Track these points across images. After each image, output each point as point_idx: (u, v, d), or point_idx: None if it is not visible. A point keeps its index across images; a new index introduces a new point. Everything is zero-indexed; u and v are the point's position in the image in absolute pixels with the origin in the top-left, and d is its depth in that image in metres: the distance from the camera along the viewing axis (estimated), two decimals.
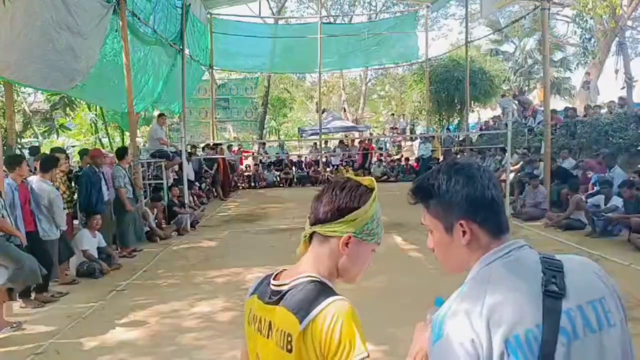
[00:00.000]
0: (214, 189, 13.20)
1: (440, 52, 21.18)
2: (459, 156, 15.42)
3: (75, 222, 7.27)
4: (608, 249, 6.43)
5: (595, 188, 8.02)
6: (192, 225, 9.26)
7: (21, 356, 3.94)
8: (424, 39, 18.54)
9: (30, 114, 15.32)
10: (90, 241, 6.39)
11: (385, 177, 15.66)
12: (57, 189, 5.88)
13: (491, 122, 16.51)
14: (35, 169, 5.79)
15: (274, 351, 1.16)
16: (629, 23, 18.63)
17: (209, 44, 16.27)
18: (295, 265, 1.26)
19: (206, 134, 18.35)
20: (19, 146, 11.47)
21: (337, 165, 16.69)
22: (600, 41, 17.26)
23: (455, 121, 19.33)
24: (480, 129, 17.07)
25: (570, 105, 16.49)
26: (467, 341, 0.93)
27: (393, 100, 29.71)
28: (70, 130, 17.19)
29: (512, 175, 10.03)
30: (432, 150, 16.24)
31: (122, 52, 8.64)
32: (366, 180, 1.23)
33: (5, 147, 6.30)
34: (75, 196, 7.01)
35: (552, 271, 0.99)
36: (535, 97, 18.98)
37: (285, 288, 1.19)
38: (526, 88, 22.06)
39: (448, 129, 18.63)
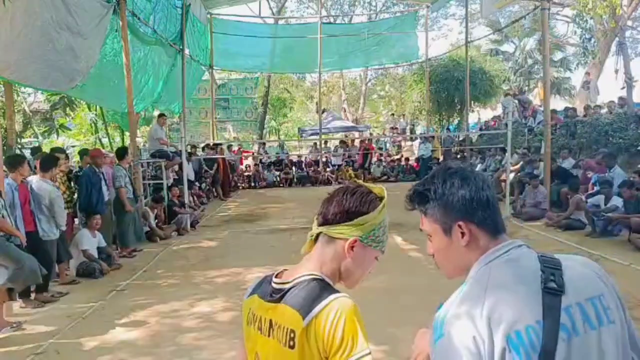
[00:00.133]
0: (214, 189, 13.20)
1: (440, 52, 21.21)
2: (459, 156, 15.45)
3: (75, 221, 7.28)
4: (608, 249, 6.43)
5: (595, 188, 8.02)
6: (192, 225, 9.26)
7: (21, 356, 3.94)
8: (424, 39, 18.56)
9: (30, 114, 15.29)
10: (90, 241, 6.39)
11: (385, 177, 15.67)
12: (57, 188, 5.88)
13: (491, 122, 16.52)
14: (36, 167, 5.79)
15: (275, 349, 1.17)
16: (629, 23, 18.63)
17: (209, 44, 16.27)
18: (297, 265, 1.27)
19: (206, 134, 18.36)
20: (19, 146, 11.46)
21: (339, 165, 16.69)
22: (600, 41, 17.25)
23: (455, 121, 19.33)
24: (481, 129, 17.07)
25: (570, 105, 16.50)
26: (468, 338, 0.94)
27: (393, 100, 29.71)
28: (70, 130, 17.17)
29: (512, 175, 10.02)
30: (432, 150, 16.23)
31: (122, 52, 8.64)
32: (376, 188, 1.26)
33: (5, 147, 6.30)
34: (75, 196, 7.01)
35: (551, 269, 1.01)
36: (535, 96, 18.97)
37: (287, 286, 1.20)
38: (526, 88, 22.06)
39: (448, 129, 18.63)
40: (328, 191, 1.31)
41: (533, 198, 8.93)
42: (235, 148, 17.91)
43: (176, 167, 10.72)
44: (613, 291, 1.04)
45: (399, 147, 19.95)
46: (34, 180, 5.50)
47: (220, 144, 15.00)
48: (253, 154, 18.86)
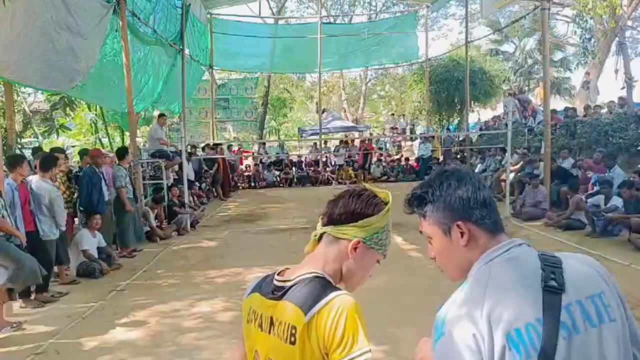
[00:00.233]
0: (214, 189, 13.20)
1: (440, 52, 21.20)
2: (459, 156, 15.45)
3: (75, 221, 7.28)
4: (608, 249, 6.43)
5: (595, 188, 8.02)
6: (192, 225, 9.26)
7: (21, 356, 3.94)
8: (424, 39, 18.56)
9: (30, 114, 15.29)
10: (90, 241, 6.38)
11: (385, 177, 15.68)
12: (57, 188, 5.88)
13: (491, 122, 16.52)
14: (36, 167, 5.79)
15: (275, 345, 1.18)
16: (629, 23, 18.63)
17: (209, 44, 16.28)
18: (299, 264, 1.28)
19: (206, 134, 18.36)
20: (19, 146, 11.46)
21: (340, 165, 16.68)
22: (600, 41, 17.25)
23: (455, 121, 19.33)
24: (480, 129, 17.06)
25: (570, 105, 16.48)
26: (469, 336, 0.95)
27: (393, 100, 29.70)
28: (70, 130, 17.17)
29: (512, 175, 10.02)
30: (432, 150, 16.24)
31: (122, 52, 8.64)
32: (382, 193, 1.29)
33: (5, 147, 6.30)
34: (75, 196, 7.01)
35: (551, 267, 1.01)
36: (535, 96, 18.97)
37: (289, 284, 1.21)
38: (526, 88, 22.06)
39: (448, 129, 18.63)
40: (328, 191, 1.33)
41: (533, 198, 8.94)
42: (235, 148, 17.91)
43: (176, 167, 10.72)
44: (614, 289, 1.04)
45: (399, 147, 19.95)
46: (34, 180, 5.50)
47: (220, 144, 15.00)
48: (253, 154, 18.87)
